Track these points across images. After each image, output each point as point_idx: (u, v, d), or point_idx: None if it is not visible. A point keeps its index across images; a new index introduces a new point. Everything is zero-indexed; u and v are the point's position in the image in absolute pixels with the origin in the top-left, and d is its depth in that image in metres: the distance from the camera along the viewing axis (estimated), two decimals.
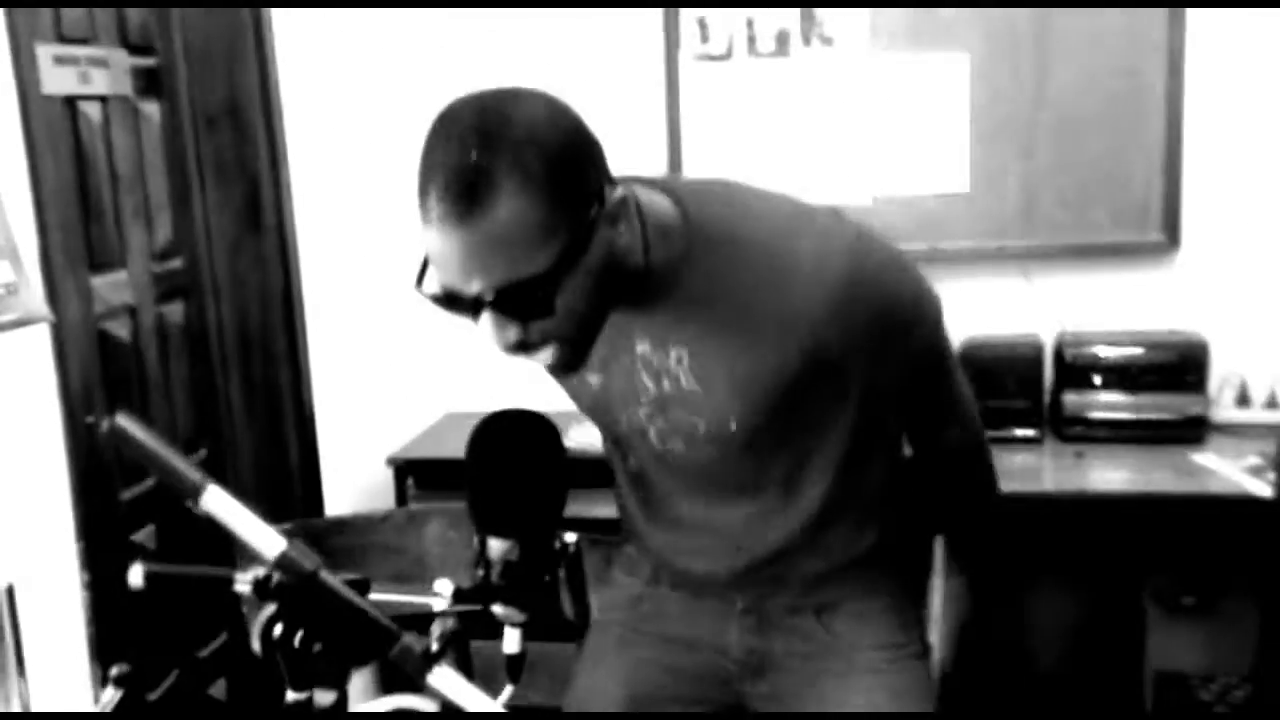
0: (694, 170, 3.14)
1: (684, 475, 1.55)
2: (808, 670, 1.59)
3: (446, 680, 1.16)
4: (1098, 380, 2.89)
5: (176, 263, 2.62)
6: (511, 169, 1.15)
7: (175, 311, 2.60)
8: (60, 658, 2.06)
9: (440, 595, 1.30)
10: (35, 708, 1.93)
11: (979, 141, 3.05)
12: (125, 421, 1.07)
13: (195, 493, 1.06)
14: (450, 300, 1.22)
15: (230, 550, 1.18)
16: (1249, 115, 2.93)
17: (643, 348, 1.41)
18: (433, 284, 1.23)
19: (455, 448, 3.13)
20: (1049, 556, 3.12)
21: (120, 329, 2.39)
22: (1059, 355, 2.96)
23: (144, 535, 2.46)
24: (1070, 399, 2.90)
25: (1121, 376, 2.87)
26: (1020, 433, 2.91)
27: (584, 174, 1.22)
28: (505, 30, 3.12)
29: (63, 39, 2.24)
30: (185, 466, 1.06)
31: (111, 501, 2.34)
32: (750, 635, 1.61)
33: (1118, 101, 2.98)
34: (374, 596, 1.27)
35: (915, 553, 1.70)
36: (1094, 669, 3.13)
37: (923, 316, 1.43)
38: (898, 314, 1.38)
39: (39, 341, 1.95)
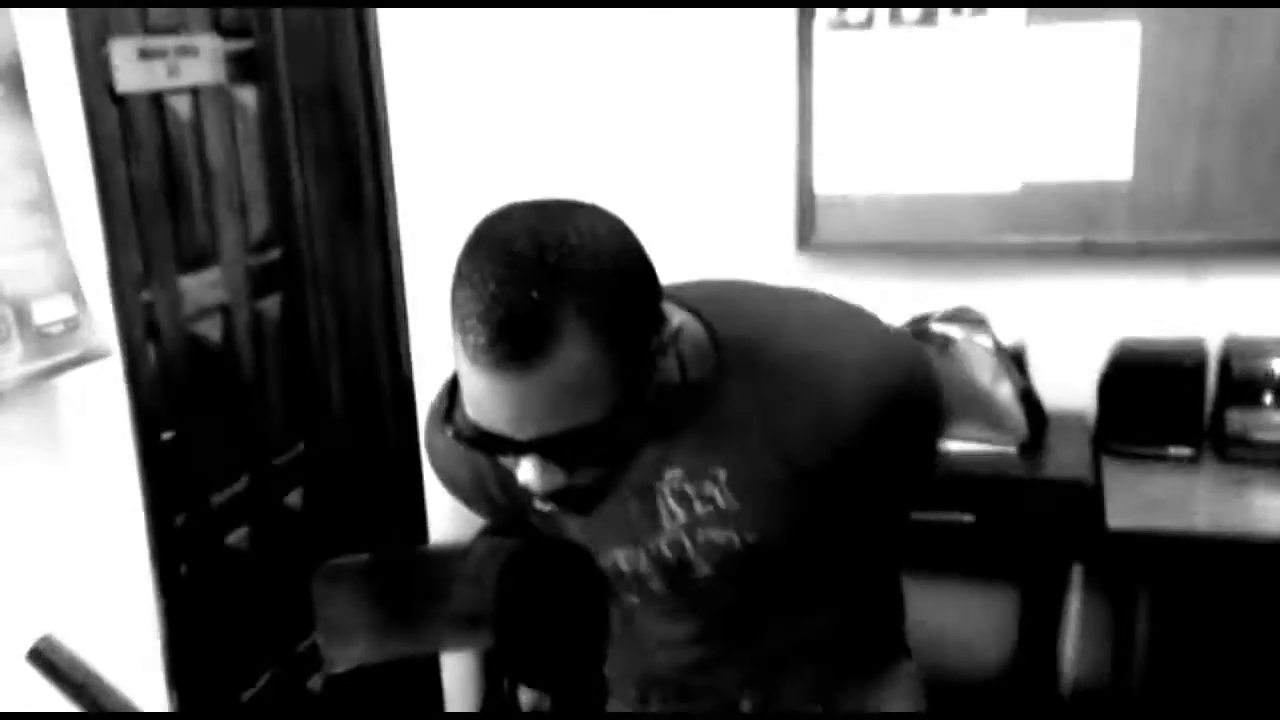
0: (826, 153, 2.90)
1: (689, 614, 1.41)
2: None
3: None
4: (1269, 398, 2.58)
5: (274, 254, 2.52)
6: (580, 311, 1.01)
7: (272, 306, 2.51)
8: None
9: None
10: None
11: (1147, 123, 2.73)
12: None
13: None
14: (487, 442, 1.08)
15: None
16: None
17: (673, 474, 1.27)
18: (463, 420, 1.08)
19: None
20: (1189, 599, 2.81)
21: (212, 330, 2.31)
22: (1225, 366, 2.66)
23: (237, 538, 2.42)
24: (1235, 416, 2.61)
25: None
26: (1174, 451, 2.64)
27: (645, 307, 1.09)
28: None
29: (149, 30, 2.13)
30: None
31: (202, 507, 2.28)
32: None
33: None
34: None
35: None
36: None
37: (940, 423, 1.37)
38: (927, 433, 1.34)
39: (109, 370, 1.85)
